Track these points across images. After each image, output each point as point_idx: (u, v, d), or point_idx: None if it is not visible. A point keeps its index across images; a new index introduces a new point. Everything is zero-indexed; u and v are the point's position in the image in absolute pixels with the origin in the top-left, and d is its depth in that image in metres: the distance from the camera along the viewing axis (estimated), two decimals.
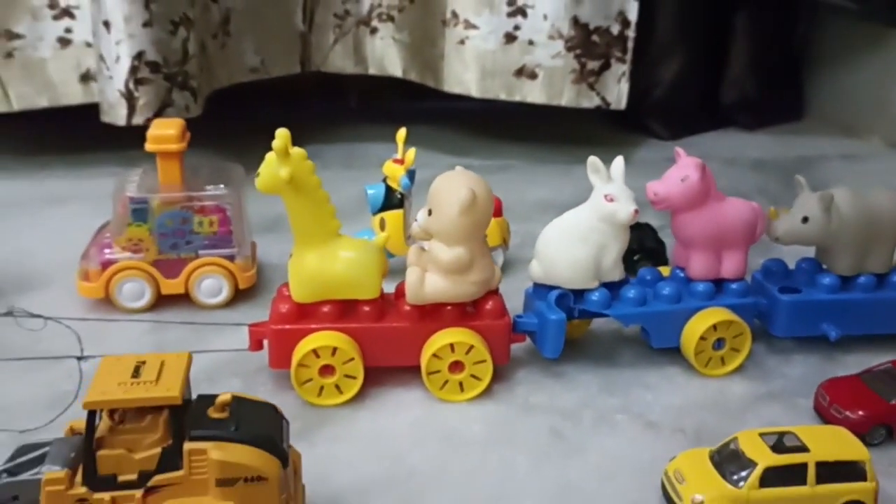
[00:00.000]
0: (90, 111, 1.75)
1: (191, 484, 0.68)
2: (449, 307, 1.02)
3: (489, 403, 1.03)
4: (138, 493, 0.68)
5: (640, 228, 1.34)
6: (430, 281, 0.99)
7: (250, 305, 1.25)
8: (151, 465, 0.68)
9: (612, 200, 1.02)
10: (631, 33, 1.84)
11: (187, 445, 0.68)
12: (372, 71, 1.96)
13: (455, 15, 1.81)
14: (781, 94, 2.37)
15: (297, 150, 0.96)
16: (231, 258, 1.23)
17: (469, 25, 1.81)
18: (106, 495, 0.68)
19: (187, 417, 0.70)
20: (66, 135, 1.89)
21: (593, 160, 1.04)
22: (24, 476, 0.69)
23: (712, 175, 1.07)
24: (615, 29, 1.83)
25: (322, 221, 0.99)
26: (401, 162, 1.30)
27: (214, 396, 0.72)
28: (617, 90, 1.87)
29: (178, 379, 0.69)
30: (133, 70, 1.47)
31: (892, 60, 2.14)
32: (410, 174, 1.28)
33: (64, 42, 1.67)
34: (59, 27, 1.66)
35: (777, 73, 2.34)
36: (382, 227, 1.28)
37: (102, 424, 0.70)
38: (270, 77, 1.88)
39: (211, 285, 1.22)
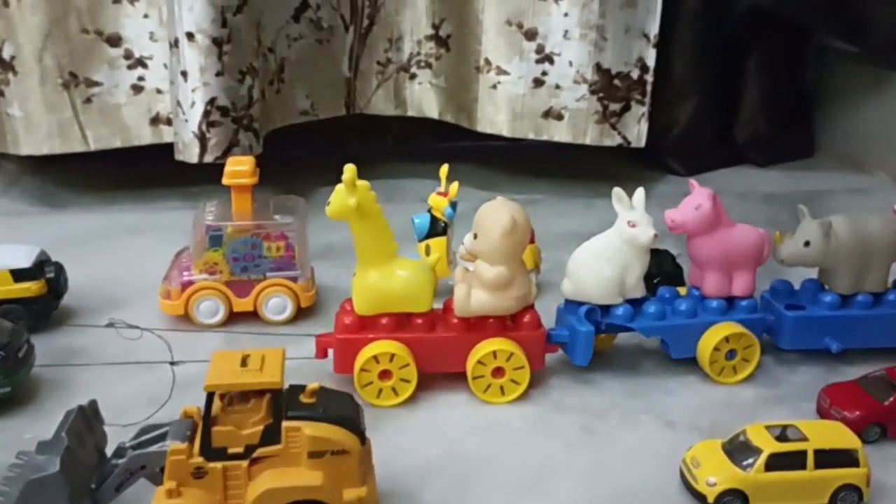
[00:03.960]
0: (154, 151, 1.93)
1: (287, 456, 0.83)
2: (491, 320, 1.17)
3: (527, 404, 1.17)
4: (244, 463, 0.83)
5: (659, 254, 1.47)
6: (475, 296, 1.14)
7: (311, 322, 1.39)
8: (255, 439, 0.83)
9: (634, 226, 1.17)
10: (649, 78, 1.99)
11: (285, 423, 0.83)
12: (411, 113, 2.12)
13: (488, 62, 1.98)
14: (792, 132, 2.51)
15: (362, 183, 1.12)
16: (294, 280, 1.38)
17: (501, 72, 1.97)
18: (218, 464, 0.82)
19: (283, 401, 0.85)
20: (133, 173, 2.06)
21: (617, 191, 1.19)
22: (151, 449, 0.84)
23: (722, 204, 1.21)
24: (635, 74, 1.99)
25: (382, 244, 1.14)
26: (444, 194, 1.45)
27: (304, 386, 0.87)
28: (637, 130, 2.03)
29: (278, 368, 0.84)
30: (206, 114, 1.64)
31: (895, 101, 2.28)
32: (453, 205, 1.43)
33: (137, 89, 1.85)
34: (132, 76, 1.84)
35: (788, 113, 2.48)
36: (428, 252, 1.42)
37: (215, 406, 0.85)
38: (318, 119, 2.05)
39: (277, 304, 1.38)
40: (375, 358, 1.13)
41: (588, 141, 2.01)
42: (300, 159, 2.21)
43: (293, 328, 1.37)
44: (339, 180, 1.12)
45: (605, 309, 1.20)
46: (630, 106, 2.00)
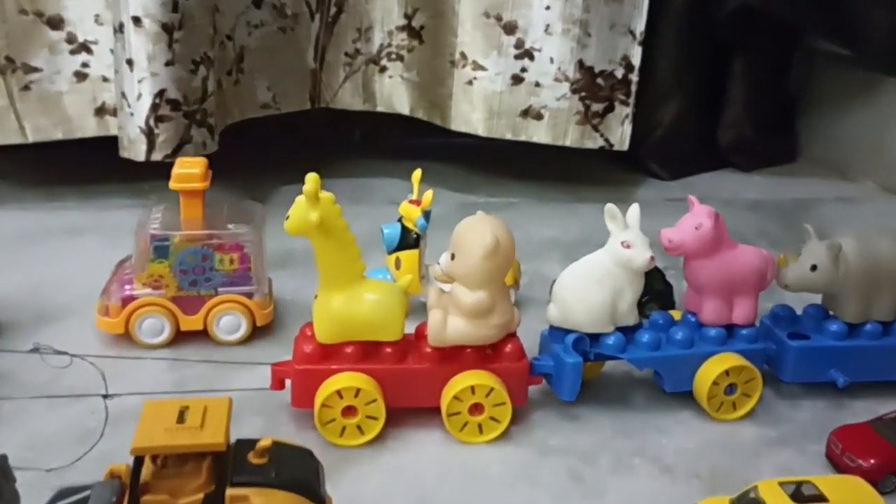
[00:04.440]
0: (101, 143, 1.77)
1: None
2: (469, 349, 1.04)
3: (508, 445, 1.04)
4: None
5: (648, 272, 1.36)
6: (451, 324, 1.01)
7: (267, 342, 1.26)
8: None
9: (628, 247, 1.05)
10: (634, 77, 1.88)
11: (229, 492, 0.70)
12: (380, 108, 1.99)
13: (464, 56, 1.85)
14: (777, 136, 2.43)
15: (326, 195, 0.99)
16: (250, 296, 1.24)
17: (477, 67, 1.85)
18: None
19: (229, 462, 0.72)
20: (78, 166, 1.90)
21: (610, 208, 1.07)
22: None
23: (724, 223, 1.10)
24: (619, 73, 1.87)
25: (348, 264, 1.01)
26: (417, 203, 1.32)
27: (254, 441, 0.74)
28: (620, 132, 1.92)
29: (222, 425, 0.70)
30: (154, 107, 1.49)
31: (885, 107, 2.20)
32: (426, 215, 1.30)
33: (80, 76, 1.69)
34: (76, 61, 1.69)
35: (772, 117, 2.39)
36: (398, 266, 1.30)
37: (145, 469, 0.71)
38: (281, 113, 1.91)
39: (230, 322, 1.24)
40: (339, 393, 1.01)
41: (568, 143, 1.90)
42: (259, 155, 2.06)
43: (247, 351, 1.23)
44: (301, 179, 0.99)
45: (595, 337, 1.09)
46: (613, 106, 1.89)
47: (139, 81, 1.48)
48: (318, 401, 1.01)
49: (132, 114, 1.51)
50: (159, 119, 1.50)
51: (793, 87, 2.45)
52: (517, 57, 1.83)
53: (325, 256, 1.01)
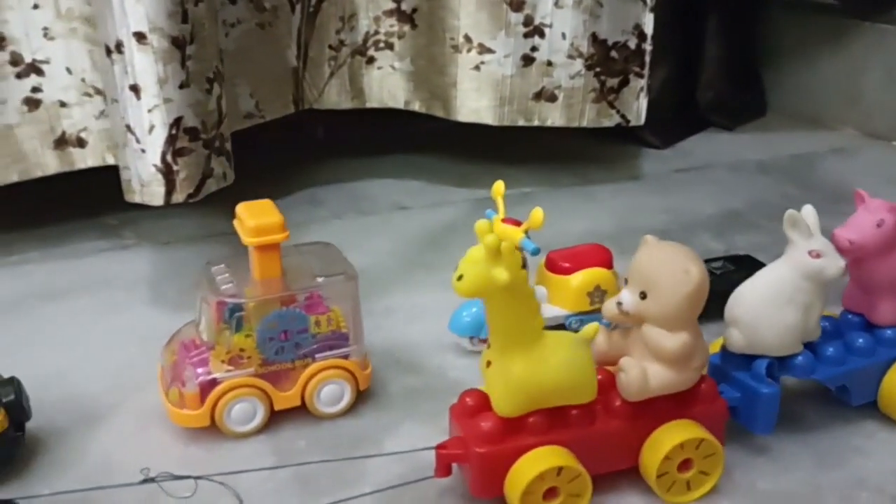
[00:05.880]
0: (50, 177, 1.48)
1: None
2: (662, 397, 0.90)
3: (718, 497, 0.91)
4: None
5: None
6: (654, 373, 0.87)
7: (373, 408, 1.07)
8: None
9: (818, 256, 0.93)
10: (648, 46, 1.76)
11: None
12: (371, 105, 1.78)
13: (468, 39, 1.67)
14: (747, 92, 2.39)
15: (507, 243, 0.81)
16: (346, 356, 1.05)
17: (484, 49, 1.67)
18: None
19: None
20: (23, 204, 1.60)
21: (792, 214, 0.94)
22: None
23: None
24: (632, 43, 1.75)
25: (528, 321, 0.84)
26: (514, 222, 1.15)
27: None
28: (636, 106, 1.80)
29: None
30: (171, 140, 1.22)
31: (858, 52, 2.19)
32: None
33: (32, 104, 1.39)
34: (24, 87, 1.39)
35: (743, 73, 2.35)
36: None
37: None
38: (266, 121, 1.66)
39: (331, 392, 1.04)
40: (541, 475, 0.84)
41: (585, 123, 1.76)
42: None
43: (356, 423, 1.04)
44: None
45: (781, 359, 0.97)
46: (628, 80, 1.77)
47: (149, 111, 1.20)
48: (517, 488, 0.84)
49: (143, 150, 1.23)
50: (178, 153, 1.22)
51: (758, 38, 2.41)
52: (526, 35, 1.67)
53: (503, 316, 0.83)
